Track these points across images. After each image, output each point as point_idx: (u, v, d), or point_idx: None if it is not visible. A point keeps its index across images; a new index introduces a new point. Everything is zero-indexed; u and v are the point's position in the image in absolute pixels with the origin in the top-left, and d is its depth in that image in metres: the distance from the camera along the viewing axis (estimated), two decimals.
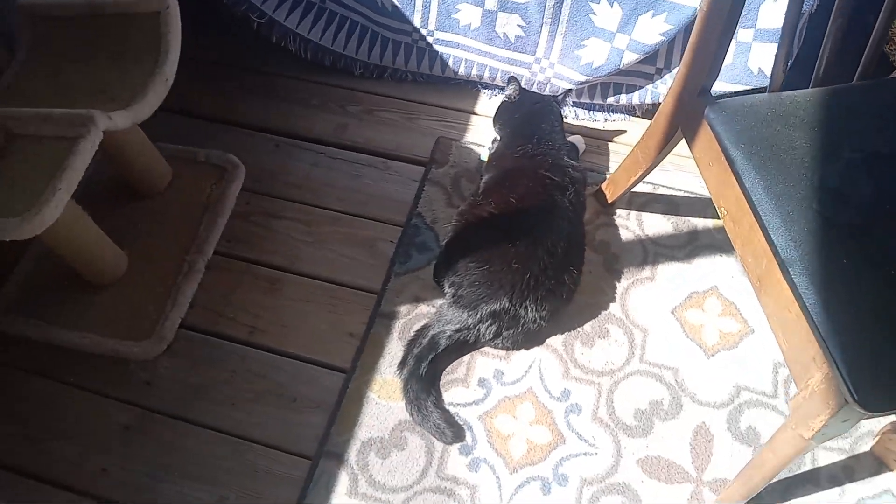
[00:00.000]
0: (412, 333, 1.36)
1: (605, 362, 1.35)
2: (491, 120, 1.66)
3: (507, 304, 1.26)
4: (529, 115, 1.49)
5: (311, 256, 1.50)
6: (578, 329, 1.39)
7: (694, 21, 1.39)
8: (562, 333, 1.38)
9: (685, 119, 1.11)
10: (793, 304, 0.85)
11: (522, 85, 1.68)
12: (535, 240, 1.28)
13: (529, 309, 1.27)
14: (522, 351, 1.36)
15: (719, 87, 1.47)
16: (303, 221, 1.55)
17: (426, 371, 1.29)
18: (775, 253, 0.87)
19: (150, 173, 1.53)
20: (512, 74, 1.56)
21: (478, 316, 1.28)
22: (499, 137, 1.53)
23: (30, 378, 1.37)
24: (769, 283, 0.90)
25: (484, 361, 1.36)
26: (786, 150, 0.94)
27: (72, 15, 1.38)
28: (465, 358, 1.36)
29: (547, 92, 1.69)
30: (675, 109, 1.12)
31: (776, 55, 1.01)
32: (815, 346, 0.82)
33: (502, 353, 1.36)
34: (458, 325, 1.29)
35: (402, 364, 1.32)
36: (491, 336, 1.31)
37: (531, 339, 1.35)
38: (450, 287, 1.33)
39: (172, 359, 1.38)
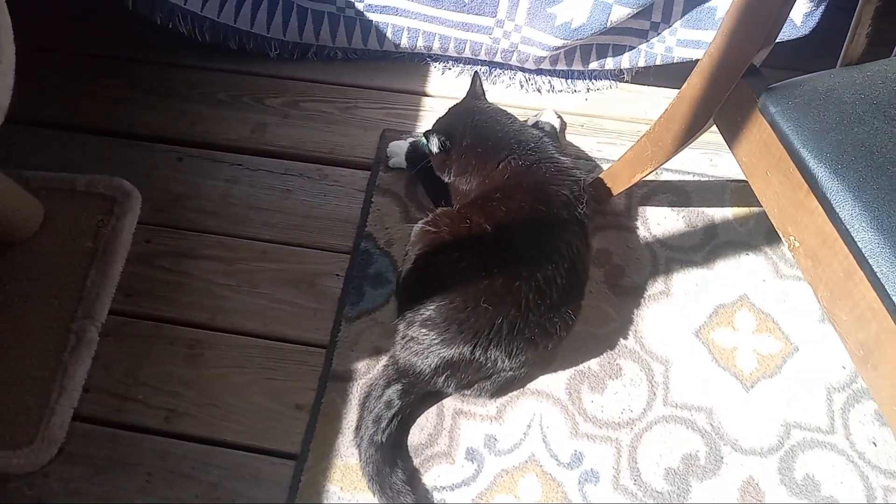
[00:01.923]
0: (364, 390, 1.07)
1: (621, 410, 1.08)
2: (448, 100, 1.33)
3: (466, 353, 0.97)
4: (483, 123, 1.12)
5: (238, 306, 1.17)
6: (583, 368, 1.11)
7: None
8: (563, 373, 1.10)
9: (724, 108, 0.80)
10: None
11: (483, 55, 1.34)
12: (522, 273, 0.97)
13: (499, 360, 0.98)
14: (517, 406, 1.08)
15: None
16: (223, 259, 1.21)
17: (388, 435, 1.01)
18: None
19: (10, 215, 1.17)
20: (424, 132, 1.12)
21: (431, 364, 0.99)
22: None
23: None
24: (887, 361, 0.62)
25: (470, 426, 1.07)
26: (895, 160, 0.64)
27: None
28: (447, 424, 1.07)
29: (514, 62, 1.35)
30: (706, 94, 0.81)
31: (859, 9, 0.70)
32: None
33: (492, 412, 1.08)
34: (410, 378, 1.01)
35: (358, 430, 1.04)
36: (453, 387, 1.03)
37: (513, 384, 1.07)
38: (401, 323, 1.04)
39: (67, 466, 1.06)
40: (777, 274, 1.16)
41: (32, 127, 1.32)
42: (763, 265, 1.17)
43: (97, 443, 1.07)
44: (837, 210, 0.64)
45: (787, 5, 0.67)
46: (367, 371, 1.10)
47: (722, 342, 1.12)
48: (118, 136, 1.34)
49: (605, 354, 1.11)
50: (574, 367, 1.10)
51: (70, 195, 1.25)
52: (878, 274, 0.61)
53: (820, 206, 0.67)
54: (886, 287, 0.60)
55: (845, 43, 0.74)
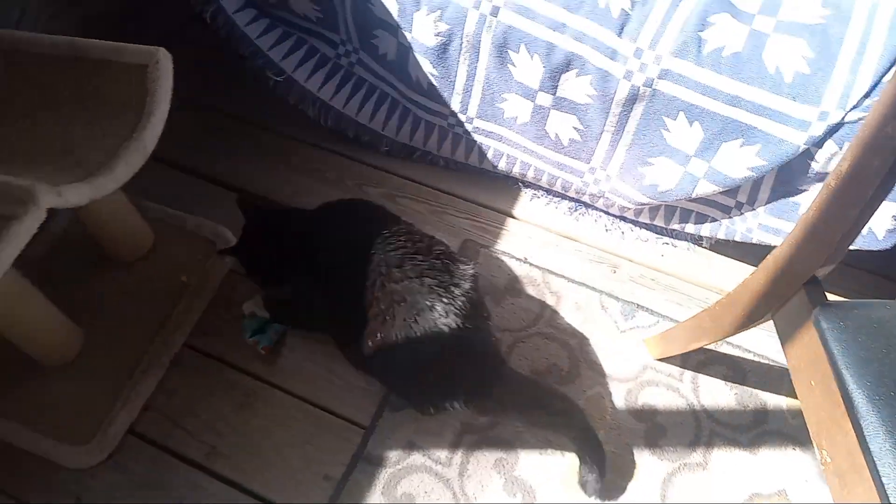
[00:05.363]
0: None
1: None
2: (531, 226, 1.43)
3: None
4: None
5: (296, 368, 1.26)
6: None
7: (794, 158, 1.16)
8: None
9: (781, 310, 0.85)
10: None
11: (571, 193, 1.44)
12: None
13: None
14: None
15: None
16: None
17: None
18: None
19: (124, 239, 1.32)
20: None
21: None
22: None
23: None
24: None
25: None
26: None
27: (51, 54, 1.17)
28: None
29: (600, 205, 1.44)
30: (767, 292, 0.86)
31: None
32: None
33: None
34: None
35: None
36: None
37: None
38: None
39: (111, 473, 1.15)
40: (822, 477, 1.15)
41: (164, 165, 1.50)
42: (809, 465, 1.16)
43: (142, 459, 1.16)
44: (868, 440, 0.67)
45: (851, 234, 0.73)
46: (398, 462, 1.15)
47: None
48: (234, 188, 1.49)
49: None
50: None
51: (179, 231, 1.40)
52: None
53: (853, 431, 0.70)
54: None
55: None
